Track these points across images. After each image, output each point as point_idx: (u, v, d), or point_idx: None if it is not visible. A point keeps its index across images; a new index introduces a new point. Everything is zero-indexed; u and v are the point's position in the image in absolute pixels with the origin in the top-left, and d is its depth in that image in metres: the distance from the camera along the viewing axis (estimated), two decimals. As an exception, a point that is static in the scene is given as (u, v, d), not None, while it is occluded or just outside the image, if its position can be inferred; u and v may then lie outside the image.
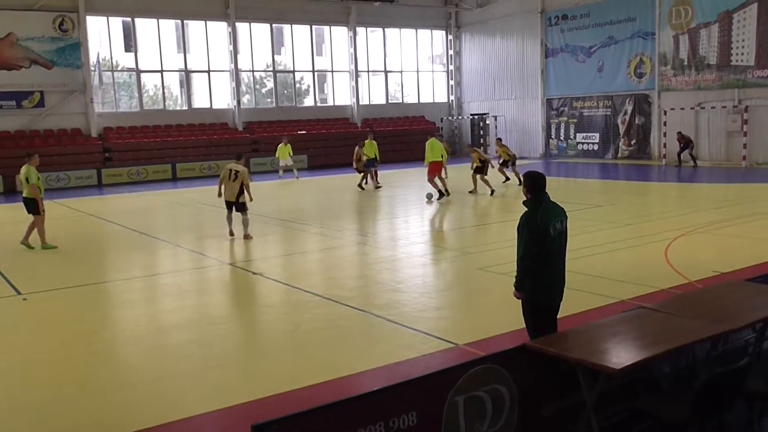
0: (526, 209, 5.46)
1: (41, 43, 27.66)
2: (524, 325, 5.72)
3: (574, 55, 31.86)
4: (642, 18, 28.81)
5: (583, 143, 32.18)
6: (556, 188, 20.64)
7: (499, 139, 24.41)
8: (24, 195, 13.52)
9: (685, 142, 26.10)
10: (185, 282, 10.60)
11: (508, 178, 22.06)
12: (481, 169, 19.79)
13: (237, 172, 13.32)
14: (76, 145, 28.25)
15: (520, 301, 5.60)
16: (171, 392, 6.08)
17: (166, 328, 8.09)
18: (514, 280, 5.55)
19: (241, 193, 13.32)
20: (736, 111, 25.82)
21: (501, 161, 22.01)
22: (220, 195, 13.59)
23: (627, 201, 17.44)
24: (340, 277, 10.46)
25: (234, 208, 13.48)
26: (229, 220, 13.62)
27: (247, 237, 13.47)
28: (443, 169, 19.04)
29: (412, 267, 10.91)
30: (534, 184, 5.47)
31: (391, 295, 9.12)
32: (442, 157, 18.78)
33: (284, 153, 26.96)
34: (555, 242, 5.38)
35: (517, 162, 22.44)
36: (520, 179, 21.73)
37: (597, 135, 31.45)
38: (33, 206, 13.40)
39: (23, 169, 13.37)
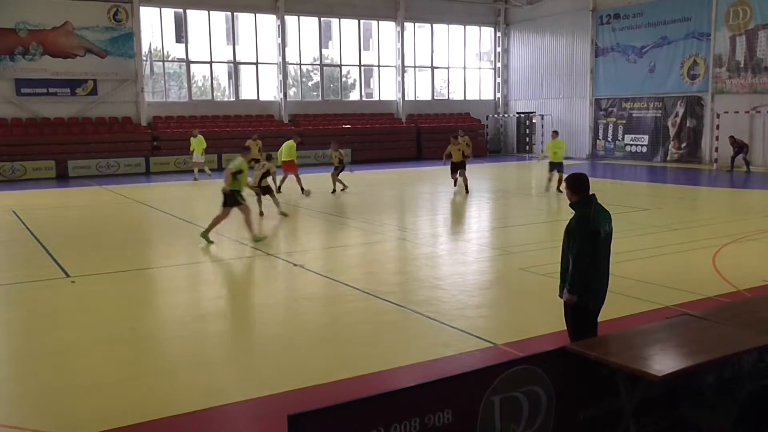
0: (576, 211, 5.39)
1: (95, 32, 28.33)
2: (563, 328, 5.64)
3: (625, 55, 31.26)
4: (697, 18, 28.10)
5: (631, 145, 31.57)
6: (602, 190, 20.27)
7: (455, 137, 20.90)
8: (230, 189, 12.45)
9: (739, 147, 25.39)
10: (226, 271, 10.76)
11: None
12: (338, 169, 19.94)
13: (257, 160, 16.04)
14: (126, 133, 28.88)
15: (563, 303, 5.52)
16: (208, 379, 6.16)
17: (206, 316, 8.21)
18: (561, 282, 5.48)
19: (263, 178, 15.49)
20: (794, 116, 25.03)
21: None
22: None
23: (675, 205, 17.07)
24: (380, 271, 10.47)
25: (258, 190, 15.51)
26: (259, 200, 15.67)
27: (283, 213, 15.38)
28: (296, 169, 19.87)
29: (453, 264, 10.85)
30: (579, 185, 5.41)
31: (430, 292, 9.09)
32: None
33: (198, 147, 24.13)
34: (604, 245, 5.34)
35: (564, 161, 21.60)
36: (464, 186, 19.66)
37: (646, 137, 30.82)
38: (232, 198, 12.48)
39: (237, 162, 12.50)
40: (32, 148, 26.53)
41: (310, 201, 18.70)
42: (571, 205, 5.44)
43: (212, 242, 12.32)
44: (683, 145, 29.35)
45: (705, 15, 27.75)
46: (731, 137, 25.52)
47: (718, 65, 27.49)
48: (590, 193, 5.42)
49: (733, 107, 26.46)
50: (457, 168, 19.86)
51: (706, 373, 4.89)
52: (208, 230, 12.37)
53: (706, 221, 14.84)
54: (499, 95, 38.39)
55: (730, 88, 27.19)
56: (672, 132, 29.65)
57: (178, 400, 5.65)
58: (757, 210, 16.32)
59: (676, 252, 11.04)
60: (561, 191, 17.65)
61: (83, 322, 8.01)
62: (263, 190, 15.63)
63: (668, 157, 29.76)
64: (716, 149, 26.76)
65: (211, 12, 30.83)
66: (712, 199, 19.32)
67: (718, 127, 26.71)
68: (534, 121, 36.12)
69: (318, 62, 34.88)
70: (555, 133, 20.60)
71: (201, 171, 24.50)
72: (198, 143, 24.18)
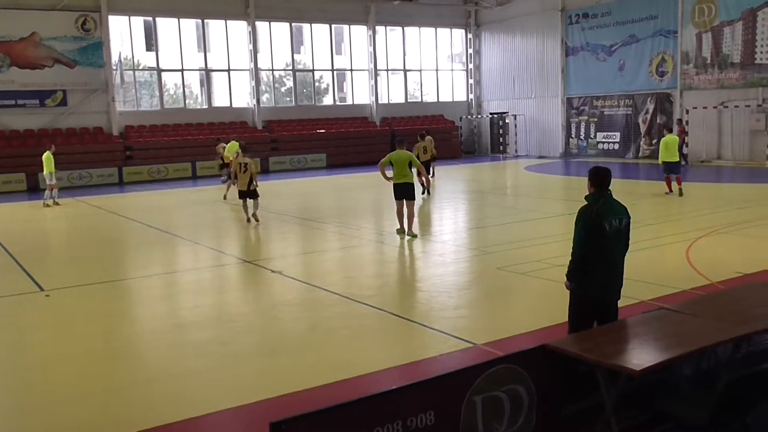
0: (586, 202, 5.49)
1: (64, 42, 27.96)
2: (542, 326, 5.69)
3: (594, 54, 31.62)
4: (664, 16, 28.52)
5: (603, 142, 31.93)
6: (576, 188, 20.50)
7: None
8: (405, 181, 12.66)
9: (681, 131, 25.82)
10: (204, 279, 10.67)
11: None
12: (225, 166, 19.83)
13: (246, 164, 15.10)
14: (97, 143, 28.53)
15: (569, 293, 5.60)
16: (189, 389, 6.11)
17: (184, 326, 8.14)
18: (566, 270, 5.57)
19: (251, 182, 15.06)
20: (760, 110, 25.45)
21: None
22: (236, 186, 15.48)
23: (648, 201, 17.27)
24: (359, 275, 10.46)
25: (247, 196, 15.13)
26: (245, 208, 15.24)
27: (255, 217, 15.09)
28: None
29: (431, 266, 10.88)
30: (596, 178, 5.50)
31: (409, 294, 9.10)
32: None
33: (50, 165, 20.32)
34: (611, 239, 5.36)
35: (538, 161, 21.70)
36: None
37: (617, 134, 31.20)
38: (412, 191, 12.80)
39: (404, 155, 12.73)
40: (2, 160, 26.12)
41: (286, 206, 18.62)
42: (585, 197, 5.53)
43: (416, 236, 12.78)
44: (654, 141, 29.68)
45: (671, 13, 28.18)
46: (678, 120, 25.93)
47: (686, 62, 27.91)
48: (608, 189, 5.50)
49: (702, 103, 26.89)
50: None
51: (684, 365, 4.96)
52: (409, 228, 12.74)
53: (678, 216, 15.05)
54: (471, 96, 38.59)
55: (698, 84, 27.62)
56: (643, 129, 30.05)
57: (157, 412, 5.58)
58: (728, 203, 16.58)
59: (650, 247, 11.16)
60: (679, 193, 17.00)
61: (58, 335, 7.89)
62: (250, 194, 15.24)
63: (640, 154, 30.14)
64: (687, 144, 27.14)
65: (181, 19, 30.58)
66: (684, 193, 19.58)
67: (687, 122, 27.11)
68: (507, 121, 36.36)
69: (290, 68, 34.79)
70: (678, 125, 18.39)
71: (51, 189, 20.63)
72: (49, 161, 20.34)
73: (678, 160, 17.40)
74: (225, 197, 19.88)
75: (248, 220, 15.14)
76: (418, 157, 18.46)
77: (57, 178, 20.90)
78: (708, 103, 26.72)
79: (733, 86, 26.34)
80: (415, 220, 13.26)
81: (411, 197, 12.81)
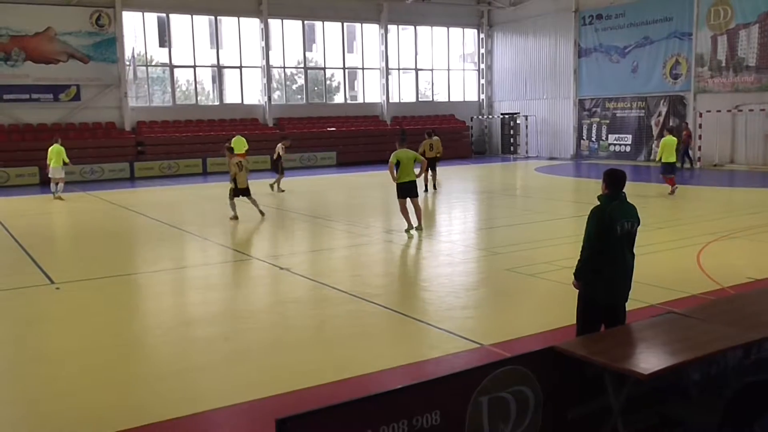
0: (599, 203, 5.48)
1: (78, 37, 28.15)
2: (551, 328, 5.66)
3: (607, 55, 31.47)
4: (679, 18, 28.35)
5: (615, 144, 31.78)
6: (586, 190, 20.43)
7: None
8: (411, 179, 12.89)
9: (688, 136, 25.76)
10: (212, 275, 10.70)
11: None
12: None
13: (241, 162, 15.34)
14: (109, 138, 28.70)
15: (577, 294, 5.57)
16: (195, 385, 6.12)
17: (192, 321, 8.16)
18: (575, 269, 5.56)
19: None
20: (775, 114, 25.30)
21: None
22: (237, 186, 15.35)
23: (659, 204, 17.18)
24: (366, 274, 10.45)
25: (242, 194, 15.30)
26: (233, 206, 15.34)
27: (260, 212, 15.49)
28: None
29: (439, 266, 10.85)
30: (612, 180, 5.50)
31: (417, 294, 9.08)
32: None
33: (58, 158, 20.31)
34: (621, 241, 5.36)
35: (549, 162, 21.77)
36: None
37: (630, 136, 31.04)
38: (416, 188, 13.17)
39: (410, 153, 12.91)
40: (15, 154, 26.33)
41: (295, 204, 18.65)
42: (598, 197, 5.52)
43: (412, 234, 13.00)
44: (666, 144, 29.56)
45: (686, 15, 28.00)
46: (685, 123, 25.86)
47: (700, 65, 27.73)
48: (622, 191, 5.48)
49: (716, 106, 26.71)
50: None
51: (693, 370, 4.92)
52: (418, 222, 13.16)
53: (690, 219, 14.95)
54: (483, 96, 38.51)
55: (712, 87, 27.43)
56: (655, 131, 29.86)
57: (164, 406, 5.60)
58: (741, 208, 16.48)
59: (660, 250, 11.10)
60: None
61: (68, 328, 7.94)
62: (246, 192, 15.36)
63: (652, 156, 29.95)
64: (699, 148, 27.00)
65: (194, 16, 30.73)
66: (696, 197, 19.46)
67: (700, 126, 26.95)
68: (518, 122, 36.27)
69: (302, 65, 34.84)
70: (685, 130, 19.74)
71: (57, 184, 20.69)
72: (56, 154, 20.38)
73: (674, 161, 18.23)
74: (279, 189, 20.89)
75: (236, 217, 15.20)
76: (423, 153, 18.67)
77: (67, 172, 21.03)
78: (722, 107, 26.53)
79: (747, 90, 26.14)
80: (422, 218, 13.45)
81: (416, 194, 13.21)
